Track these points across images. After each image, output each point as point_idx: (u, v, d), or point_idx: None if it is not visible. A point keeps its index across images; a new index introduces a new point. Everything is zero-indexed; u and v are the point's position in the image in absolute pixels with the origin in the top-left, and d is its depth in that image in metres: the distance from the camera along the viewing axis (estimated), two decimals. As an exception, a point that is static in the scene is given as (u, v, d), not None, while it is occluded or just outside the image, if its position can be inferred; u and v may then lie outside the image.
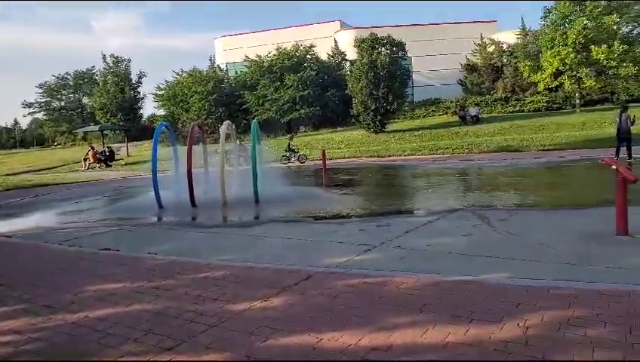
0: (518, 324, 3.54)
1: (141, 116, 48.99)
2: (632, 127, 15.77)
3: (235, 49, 47.12)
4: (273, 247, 6.63)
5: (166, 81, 43.98)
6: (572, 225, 6.88)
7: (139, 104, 45.33)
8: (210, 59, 49.76)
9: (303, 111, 38.03)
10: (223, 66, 47.00)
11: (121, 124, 41.62)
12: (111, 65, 44.31)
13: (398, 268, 5.11)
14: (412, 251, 5.85)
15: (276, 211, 9.93)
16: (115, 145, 39.47)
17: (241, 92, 40.35)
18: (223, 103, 40.49)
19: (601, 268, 4.77)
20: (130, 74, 44.34)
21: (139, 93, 44.97)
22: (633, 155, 15.60)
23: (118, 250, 6.78)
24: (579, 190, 11.58)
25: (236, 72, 43.64)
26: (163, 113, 44.60)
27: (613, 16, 29.56)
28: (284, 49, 39.65)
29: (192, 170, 10.64)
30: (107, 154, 31.11)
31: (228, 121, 12.67)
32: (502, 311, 3.80)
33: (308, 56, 40.13)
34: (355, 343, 3.39)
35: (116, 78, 42.97)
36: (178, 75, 43.72)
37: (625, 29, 34.37)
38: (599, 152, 17.08)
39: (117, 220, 10.00)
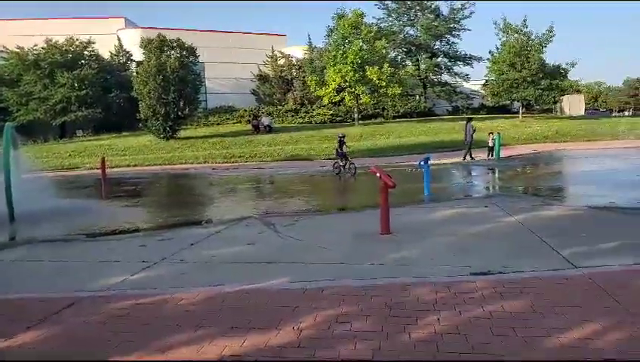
0: (294, 328, 3.64)
1: None
2: (474, 135, 19.51)
3: (-13, 37, 39.52)
4: (33, 273, 5.61)
5: None
6: (347, 228, 7.56)
7: None
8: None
9: (80, 113, 34.02)
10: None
11: None
12: None
13: (179, 284, 4.83)
14: (196, 264, 5.63)
15: (40, 230, 8.45)
16: None
17: (-2, 88, 34.09)
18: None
19: (367, 266, 5.29)
20: None
21: None
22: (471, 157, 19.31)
23: None
24: (356, 195, 12.95)
25: (-10, 64, 36.60)
26: None
27: (382, 41, 34.18)
28: (56, 42, 34.88)
29: None
30: None
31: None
32: (280, 316, 3.87)
33: (86, 52, 36.14)
34: (120, 375, 3.02)
35: None
36: None
37: (392, 54, 40.08)
38: (376, 160, 19.44)
39: None
